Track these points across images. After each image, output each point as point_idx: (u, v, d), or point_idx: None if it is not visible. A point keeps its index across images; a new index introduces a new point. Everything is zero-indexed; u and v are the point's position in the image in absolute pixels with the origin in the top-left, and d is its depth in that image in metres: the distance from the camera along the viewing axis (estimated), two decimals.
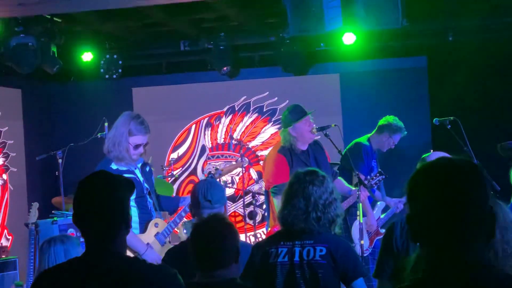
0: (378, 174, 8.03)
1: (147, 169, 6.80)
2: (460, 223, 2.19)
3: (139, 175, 6.61)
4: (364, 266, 6.70)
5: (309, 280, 4.52)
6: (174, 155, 11.72)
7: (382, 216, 8.70)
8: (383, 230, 8.41)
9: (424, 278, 2.24)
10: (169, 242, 6.67)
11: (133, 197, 6.49)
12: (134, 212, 6.54)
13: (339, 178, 8.03)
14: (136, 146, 6.51)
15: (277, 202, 7.39)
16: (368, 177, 8.16)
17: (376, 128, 8.87)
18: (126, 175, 6.44)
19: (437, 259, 2.21)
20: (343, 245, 4.63)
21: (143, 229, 6.57)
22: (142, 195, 6.58)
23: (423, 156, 4.59)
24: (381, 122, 8.85)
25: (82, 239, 8.20)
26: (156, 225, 6.62)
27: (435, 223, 2.20)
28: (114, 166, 6.48)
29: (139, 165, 6.68)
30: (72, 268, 3.19)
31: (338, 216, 4.67)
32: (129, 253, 6.37)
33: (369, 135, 8.89)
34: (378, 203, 8.67)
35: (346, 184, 8.04)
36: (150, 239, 6.55)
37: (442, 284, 2.18)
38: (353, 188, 7.83)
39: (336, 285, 4.59)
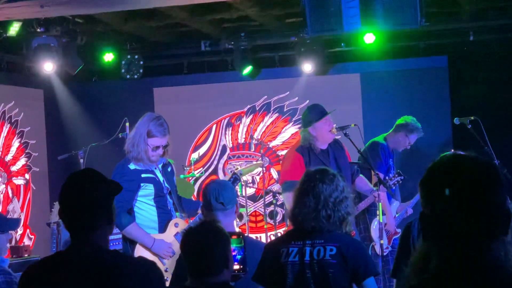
0: (396, 175, 8.02)
1: (169, 169, 6.80)
2: (478, 220, 2.18)
3: (158, 175, 6.62)
4: (377, 264, 6.69)
5: (319, 279, 4.50)
6: (195, 155, 11.75)
7: (397, 215, 8.69)
8: (399, 230, 8.41)
9: (436, 275, 2.22)
10: None
11: (151, 196, 6.53)
12: (153, 211, 6.57)
13: (360, 175, 8.03)
14: (155, 148, 6.51)
15: (285, 198, 7.41)
16: (387, 177, 8.15)
17: (394, 127, 8.85)
18: (144, 175, 6.49)
19: (452, 256, 2.20)
20: (353, 244, 4.61)
21: (162, 228, 6.59)
22: (161, 195, 6.59)
23: (441, 155, 4.55)
24: (399, 121, 8.83)
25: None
26: (176, 225, 6.63)
27: (454, 219, 2.19)
28: (132, 166, 6.49)
29: (160, 165, 6.69)
30: (56, 260, 3.31)
31: (349, 214, 4.64)
32: (143, 251, 6.46)
33: (385, 134, 8.87)
34: (394, 203, 8.65)
35: (368, 183, 8.04)
36: (169, 238, 6.55)
37: (455, 280, 2.17)
38: (374, 188, 7.82)
39: (347, 285, 4.56)
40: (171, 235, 6.58)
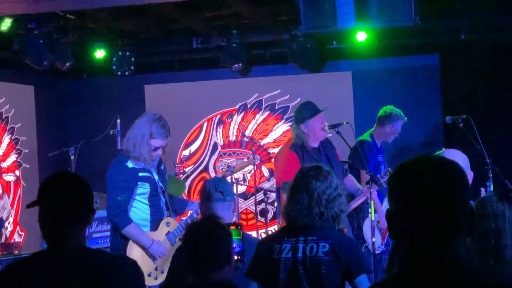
0: (388, 173, 8.02)
1: (162, 167, 6.81)
2: (441, 219, 2.23)
3: (154, 174, 6.63)
4: (369, 262, 6.68)
5: (312, 276, 4.50)
6: (186, 152, 11.73)
7: None
8: None
9: (400, 274, 2.26)
10: (180, 241, 6.67)
11: (146, 195, 6.53)
12: (146, 210, 6.57)
13: (349, 175, 8.03)
14: (155, 149, 6.53)
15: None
16: (378, 175, 8.15)
17: (377, 122, 8.83)
18: (141, 174, 6.50)
19: (416, 255, 2.24)
20: (346, 242, 4.61)
21: (154, 227, 6.59)
22: (156, 194, 6.60)
23: (436, 153, 4.56)
24: (380, 113, 8.80)
25: (94, 235, 8.13)
26: (167, 224, 6.63)
27: (416, 219, 2.24)
28: (130, 164, 6.48)
29: (155, 164, 6.70)
30: (34, 260, 3.28)
31: (342, 212, 4.66)
32: (136, 247, 6.44)
33: (370, 130, 8.85)
34: (386, 200, 8.65)
35: (356, 183, 8.03)
36: (160, 237, 6.56)
37: (419, 278, 2.21)
38: (361, 188, 7.83)
39: (339, 282, 4.56)
40: (163, 234, 6.60)
